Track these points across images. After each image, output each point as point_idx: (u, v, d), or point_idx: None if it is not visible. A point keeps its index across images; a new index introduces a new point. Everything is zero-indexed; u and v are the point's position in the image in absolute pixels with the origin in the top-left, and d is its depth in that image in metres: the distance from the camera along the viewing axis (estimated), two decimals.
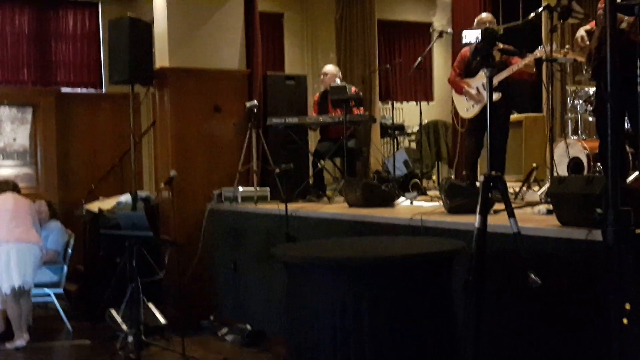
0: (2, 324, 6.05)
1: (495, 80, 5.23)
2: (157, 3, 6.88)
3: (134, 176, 6.77)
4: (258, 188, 6.22)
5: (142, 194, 6.88)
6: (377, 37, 9.13)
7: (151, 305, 5.62)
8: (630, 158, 5.03)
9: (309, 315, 2.90)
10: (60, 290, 6.59)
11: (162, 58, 6.73)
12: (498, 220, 3.26)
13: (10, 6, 9.06)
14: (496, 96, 5.28)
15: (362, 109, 6.63)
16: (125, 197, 6.77)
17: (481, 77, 5.45)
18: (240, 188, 6.16)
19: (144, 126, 7.93)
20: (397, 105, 10.07)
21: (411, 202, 5.29)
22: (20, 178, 8.11)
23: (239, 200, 6.10)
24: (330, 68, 7.00)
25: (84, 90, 9.50)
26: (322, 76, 6.92)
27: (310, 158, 6.86)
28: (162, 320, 5.57)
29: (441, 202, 4.37)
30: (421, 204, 5.18)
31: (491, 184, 2.93)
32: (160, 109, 6.82)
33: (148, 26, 6.47)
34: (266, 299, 5.48)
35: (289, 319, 5.05)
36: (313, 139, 7.22)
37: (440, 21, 10.90)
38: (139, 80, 6.43)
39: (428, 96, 11.12)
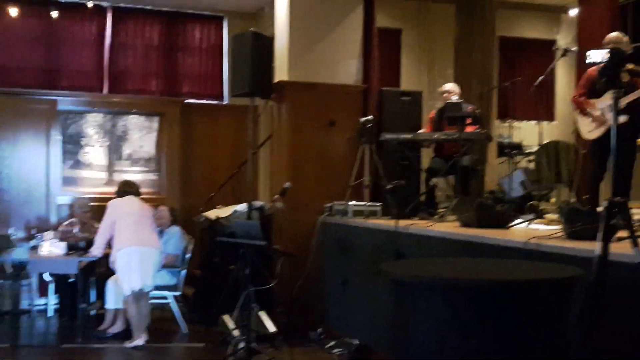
0: (122, 324, 6.37)
1: (623, 102, 4.98)
2: (279, 18, 7.08)
3: (250, 186, 6.95)
4: (369, 203, 6.23)
5: (257, 203, 7.03)
6: (498, 53, 8.94)
7: (262, 313, 5.67)
8: None
9: (415, 335, 2.86)
10: (178, 293, 6.86)
11: (281, 72, 6.91)
12: (620, 249, 3.10)
13: (142, 19, 9.48)
14: (623, 119, 5.02)
15: (478, 126, 6.50)
16: (241, 206, 6.93)
17: (607, 99, 5.20)
18: (352, 202, 6.20)
19: (262, 138, 8.14)
20: (515, 124, 9.76)
21: (527, 225, 5.13)
22: (145, 184, 8.55)
23: (350, 214, 6.13)
24: (451, 86, 6.93)
25: (207, 101, 9.80)
26: (445, 94, 6.82)
27: (423, 175, 6.80)
28: (272, 328, 5.61)
29: (559, 226, 4.21)
30: (538, 227, 5.01)
31: (614, 210, 2.81)
32: (278, 121, 6.99)
33: (269, 40, 6.62)
34: (373, 314, 5.47)
35: (395, 337, 5.04)
36: (426, 156, 7.16)
37: (564, 38, 10.49)
38: (259, 93, 6.56)
39: (549, 115, 10.73)
